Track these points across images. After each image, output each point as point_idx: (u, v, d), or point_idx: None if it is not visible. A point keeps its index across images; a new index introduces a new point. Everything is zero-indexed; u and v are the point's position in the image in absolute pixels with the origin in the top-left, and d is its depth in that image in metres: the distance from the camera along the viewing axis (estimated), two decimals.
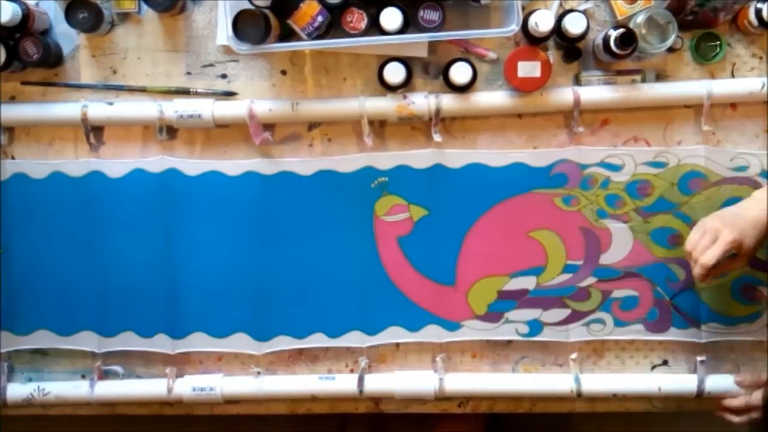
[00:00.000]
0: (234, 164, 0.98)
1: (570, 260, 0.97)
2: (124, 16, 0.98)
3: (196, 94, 0.98)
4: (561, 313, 0.98)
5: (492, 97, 0.95)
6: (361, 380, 0.98)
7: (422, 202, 0.97)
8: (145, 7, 0.96)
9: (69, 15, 0.93)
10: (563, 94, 0.94)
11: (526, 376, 0.99)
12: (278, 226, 0.98)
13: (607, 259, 0.97)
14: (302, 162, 0.98)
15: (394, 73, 0.93)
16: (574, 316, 0.98)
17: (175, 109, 0.96)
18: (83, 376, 1.01)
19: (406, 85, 0.95)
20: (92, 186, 0.98)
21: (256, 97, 0.97)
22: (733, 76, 0.96)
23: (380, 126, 0.98)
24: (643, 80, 0.95)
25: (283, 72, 0.98)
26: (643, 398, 0.99)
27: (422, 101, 0.94)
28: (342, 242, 0.98)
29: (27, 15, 0.93)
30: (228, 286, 0.99)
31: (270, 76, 0.98)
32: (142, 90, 0.98)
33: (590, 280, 0.97)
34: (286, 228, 0.98)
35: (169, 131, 0.98)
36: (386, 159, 0.97)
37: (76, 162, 0.99)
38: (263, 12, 0.88)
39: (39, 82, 0.99)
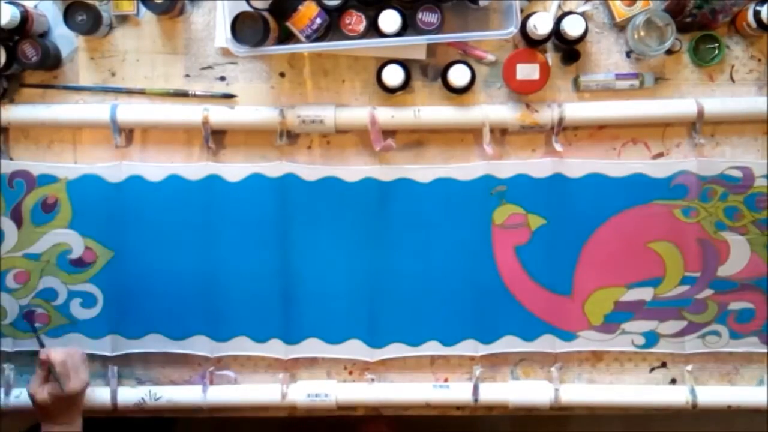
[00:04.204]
0: (352, 170, 0.97)
1: (688, 272, 0.97)
2: (123, 19, 0.98)
3: (195, 96, 0.98)
4: (677, 325, 0.97)
5: (609, 108, 0.95)
6: (476, 389, 0.97)
7: (540, 211, 0.96)
8: (143, 9, 0.96)
9: (67, 17, 0.93)
10: (686, 105, 0.94)
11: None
12: (396, 233, 0.97)
13: (724, 271, 0.96)
14: (421, 169, 0.97)
15: (393, 75, 0.93)
16: (691, 328, 0.97)
17: (297, 114, 0.95)
18: (190, 379, 1.00)
19: (405, 88, 0.95)
20: (211, 189, 0.97)
21: (253, 100, 0.97)
22: (731, 78, 0.96)
23: (500, 134, 0.98)
24: (641, 83, 0.95)
25: (282, 74, 0.98)
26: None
27: (546, 110, 0.94)
28: (459, 250, 0.97)
29: (26, 17, 0.93)
30: (343, 292, 0.98)
31: (268, 78, 0.98)
32: (141, 92, 0.98)
33: (707, 292, 0.97)
34: (404, 235, 0.97)
35: (289, 136, 0.98)
36: (505, 167, 0.96)
37: (195, 166, 0.98)
38: (262, 14, 0.88)
39: (38, 85, 0.99)
